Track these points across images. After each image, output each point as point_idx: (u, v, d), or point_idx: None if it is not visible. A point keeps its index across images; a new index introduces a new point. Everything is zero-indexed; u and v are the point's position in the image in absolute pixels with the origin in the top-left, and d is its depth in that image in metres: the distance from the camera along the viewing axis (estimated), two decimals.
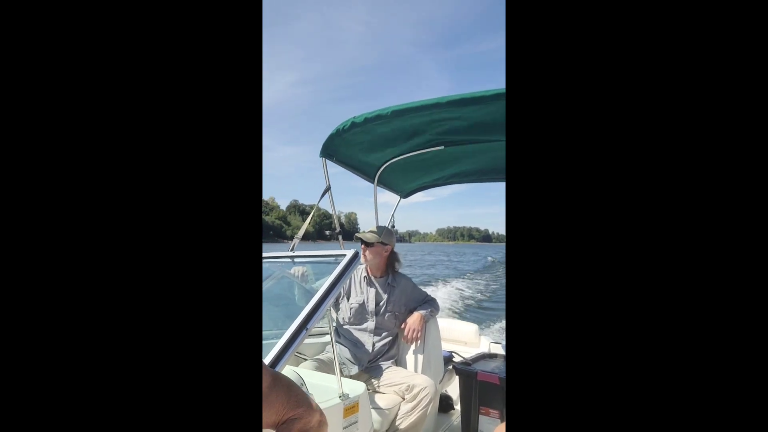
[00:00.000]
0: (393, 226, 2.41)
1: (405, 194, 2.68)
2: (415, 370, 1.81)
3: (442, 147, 1.91)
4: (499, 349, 2.50)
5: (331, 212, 2.06)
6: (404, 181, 2.51)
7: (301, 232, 1.65)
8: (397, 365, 1.83)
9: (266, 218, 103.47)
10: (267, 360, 0.99)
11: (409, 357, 1.86)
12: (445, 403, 2.14)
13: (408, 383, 1.66)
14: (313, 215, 1.91)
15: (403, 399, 1.66)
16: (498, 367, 1.85)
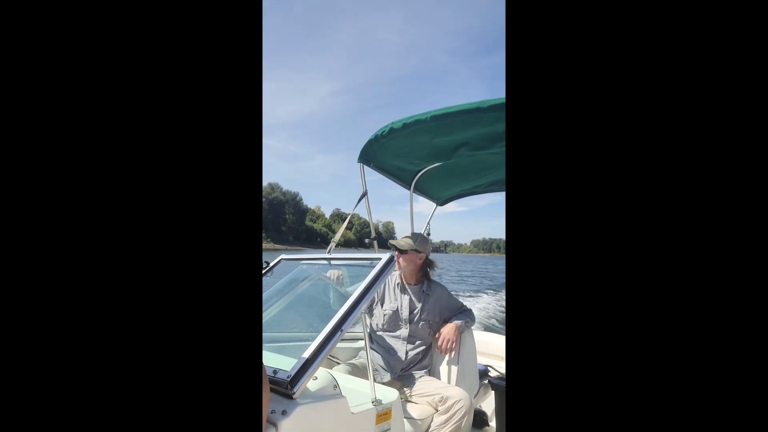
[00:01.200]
0: (428, 234, 2.38)
1: (441, 202, 2.65)
2: (449, 382, 1.76)
3: (482, 153, 1.88)
4: None
5: (367, 219, 2.07)
6: (441, 188, 2.48)
7: (337, 236, 1.67)
8: (430, 375, 1.79)
9: (314, 225, 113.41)
10: (301, 359, 1.00)
11: (443, 368, 1.81)
12: (479, 419, 2.06)
13: (442, 394, 1.61)
14: (349, 220, 1.93)
15: (437, 410, 1.62)
16: None
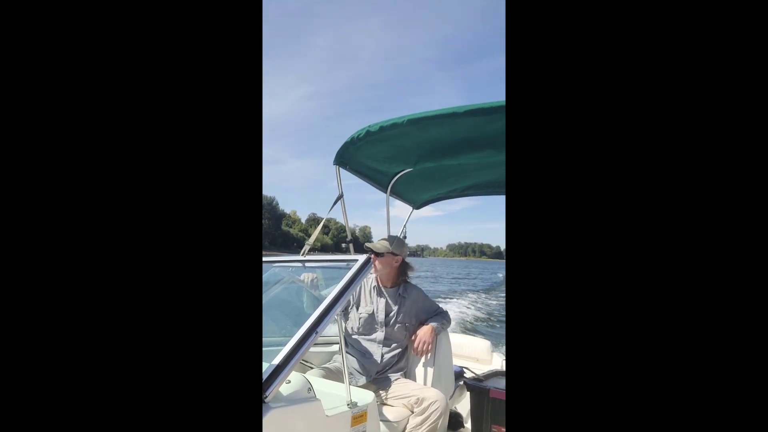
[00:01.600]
0: (405, 237, 2.39)
1: (418, 205, 2.67)
2: (425, 383, 1.77)
3: (458, 158, 1.90)
4: None
5: (344, 223, 2.06)
6: (418, 192, 2.50)
7: (312, 238, 1.65)
8: (406, 377, 1.79)
9: (290, 230, 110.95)
10: (273, 363, 0.98)
11: (419, 370, 1.82)
12: (454, 421, 2.07)
13: (418, 396, 1.62)
14: (325, 224, 1.92)
15: (412, 412, 1.62)
16: None
